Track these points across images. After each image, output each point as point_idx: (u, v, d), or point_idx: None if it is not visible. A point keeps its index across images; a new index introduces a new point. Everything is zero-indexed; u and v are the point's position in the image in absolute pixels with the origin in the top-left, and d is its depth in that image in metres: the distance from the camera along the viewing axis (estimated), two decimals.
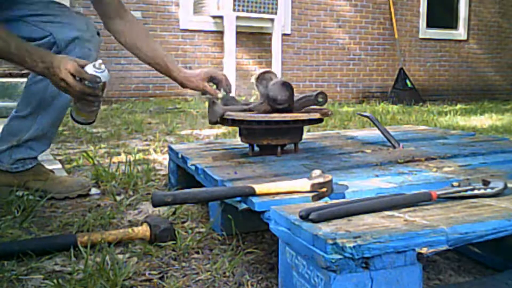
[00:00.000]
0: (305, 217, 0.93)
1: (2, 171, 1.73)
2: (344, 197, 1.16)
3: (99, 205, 1.68)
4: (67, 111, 1.77)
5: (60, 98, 1.69)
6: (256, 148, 1.67)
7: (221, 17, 5.65)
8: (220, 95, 1.68)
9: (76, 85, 1.36)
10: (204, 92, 1.74)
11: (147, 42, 1.75)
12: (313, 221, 0.91)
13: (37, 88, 1.68)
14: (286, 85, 1.57)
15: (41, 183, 1.74)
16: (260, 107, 1.62)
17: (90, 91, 1.39)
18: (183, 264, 1.20)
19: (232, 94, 1.76)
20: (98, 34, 1.73)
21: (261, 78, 1.63)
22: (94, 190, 1.84)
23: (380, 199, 1.03)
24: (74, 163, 2.29)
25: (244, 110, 1.66)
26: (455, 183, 1.12)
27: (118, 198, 1.74)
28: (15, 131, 1.71)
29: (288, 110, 1.58)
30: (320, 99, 1.59)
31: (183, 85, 1.74)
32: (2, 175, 1.73)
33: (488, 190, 1.10)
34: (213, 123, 1.62)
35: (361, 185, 1.23)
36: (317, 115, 1.59)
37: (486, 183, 1.12)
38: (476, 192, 1.10)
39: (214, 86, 1.75)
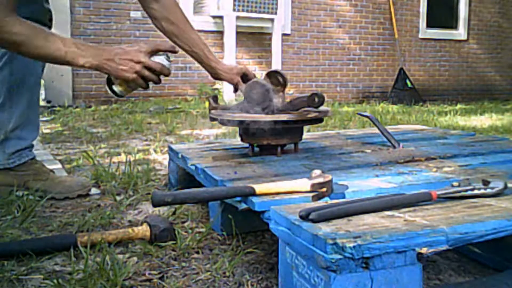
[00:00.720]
0: (305, 217, 0.93)
1: (1, 170, 1.72)
2: (344, 197, 1.16)
3: (99, 205, 1.68)
4: (40, 88, 1.76)
5: (27, 78, 1.67)
6: (256, 148, 1.67)
7: (221, 17, 5.65)
8: None
9: (156, 65, 1.33)
10: (236, 88, 1.76)
11: (185, 29, 1.72)
12: (313, 221, 0.91)
13: (1, 77, 1.66)
14: (260, 85, 1.56)
15: (41, 183, 1.74)
16: (242, 107, 1.62)
17: (167, 71, 1.36)
18: (183, 264, 1.20)
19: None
20: (51, 20, 1.70)
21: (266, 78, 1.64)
22: (94, 190, 1.84)
23: (380, 199, 1.02)
24: (74, 163, 2.29)
25: (225, 109, 1.67)
26: (455, 183, 1.12)
27: (118, 198, 1.74)
28: None
29: (269, 110, 1.58)
30: (316, 100, 1.58)
31: (218, 76, 1.75)
32: (1, 174, 1.73)
33: (488, 190, 1.10)
34: (212, 121, 1.66)
35: (361, 185, 1.23)
36: (317, 115, 1.58)
37: (486, 183, 1.12)
38: (476, 192, 1.10)
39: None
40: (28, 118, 1.73)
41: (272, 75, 1.62)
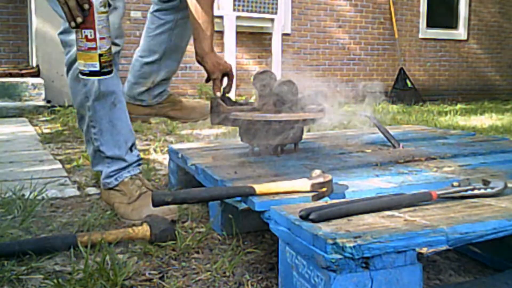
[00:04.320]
0: (305, 217, 0.93)
1: (145, 106, 2.01)
2: (344, 197, 1.16)
3: (99, 205, 1.68)
4: (186, 48, 2.02)
5: (182, 44, 1.96)
6: (256, 148, 1.67)
7: (221, 17, 5.65)
8: (218, 94, 1.70)
9: None
10: (208, 80, 1.77)
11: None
12: (313, 221, 0.91)
13: (161, 39, 1.93)
14: (292, 84, 1.57)
15: (178, 112, 2.05)
16: (266, 107, 1.61)
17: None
18: (183, 264, 1.20)
19: (230, 94, 1.78)
20: None
21: (259, 77, 1.63)
22: (94, 190, 1.84)
23: (380, 199, 1.03)
24: (74, 163, 2.29)
25: (251, 110, 1.65)
26: (455, 183, 1.12)
27: None
28: (147, 75, 1.97)
29: (292, 109, 1.58)
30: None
31: (203, 60, 1.74)
32: (145, 109, 2.01)
33: (488, 190, 1.10)
34: (216, 123, 1.63)
35: (361, 185, 1.23)
36: (317, 115, 1.59)
37: (486, 183, 1.12)
38: (476, 192, 1.10)
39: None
40: (174, 71, 2.02)
41: (264, 75, 1.63)
